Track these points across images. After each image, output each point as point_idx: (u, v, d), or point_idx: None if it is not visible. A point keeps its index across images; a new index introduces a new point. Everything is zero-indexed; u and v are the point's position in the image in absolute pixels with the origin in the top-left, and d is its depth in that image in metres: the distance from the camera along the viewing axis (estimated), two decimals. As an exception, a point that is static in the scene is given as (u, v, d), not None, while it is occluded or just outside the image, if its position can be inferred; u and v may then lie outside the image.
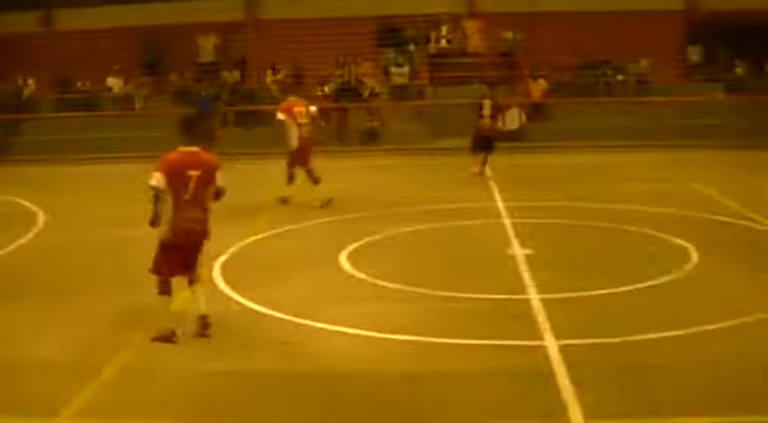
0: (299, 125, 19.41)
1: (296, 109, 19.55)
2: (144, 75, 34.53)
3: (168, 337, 10.17)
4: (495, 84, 24.76)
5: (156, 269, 10.47)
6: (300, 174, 19.50)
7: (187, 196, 10.21)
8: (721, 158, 25.47)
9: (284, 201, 19.46)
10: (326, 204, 18.87)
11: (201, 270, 10.98)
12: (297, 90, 24.78)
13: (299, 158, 19.49)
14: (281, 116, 19.50)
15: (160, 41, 35.44)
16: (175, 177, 10.16)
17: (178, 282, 10.61)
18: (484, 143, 23.21)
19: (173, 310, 10.48)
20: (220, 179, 10.54)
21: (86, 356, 9.82)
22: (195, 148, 10.40)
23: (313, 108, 19.95)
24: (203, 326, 10.45)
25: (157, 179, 10.15)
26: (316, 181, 19.39)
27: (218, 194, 10.64)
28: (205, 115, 28.37)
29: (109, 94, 34.17)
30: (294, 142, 19.41)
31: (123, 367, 9.43)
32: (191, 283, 10.75)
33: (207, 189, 10.40)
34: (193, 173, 10.22)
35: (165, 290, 10.41)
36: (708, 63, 35.00)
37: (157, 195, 10.28)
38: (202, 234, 10.55)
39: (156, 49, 35.64)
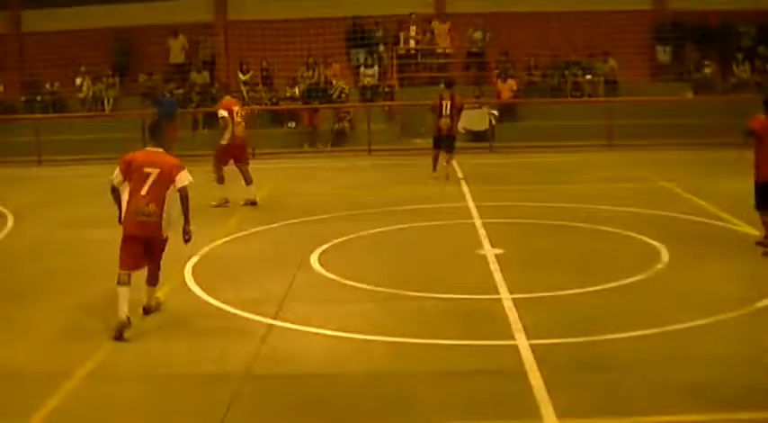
0: (235, 124, 19.82)
1: (234, 108, 20.00)
2: (113, 76, 34.32)
3: (120, 329, 10.35)
4: (453, 84, 24.66)
5: (119, 262, 10.86)
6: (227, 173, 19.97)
7: (143, 192, 10.69)
8: (691, 158, 25.58)
9: (225, 203, 19.61)
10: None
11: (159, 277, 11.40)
12: (242, 90, 24.66)
13: (230, 156, 19.89)
14: (223, 113, 19.83)
15: (130, 43, 35.33)
16: (133, 173, 10.74)
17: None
18: (445, 143, 23.14)
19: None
20: (182, 181, 10.87)
21: (56, 360, 9.75)
22: (160, 149, 11.02)
23: (237, 107, 20.27)
24: (145, 311, 11.24)
25: (115, 174, 10.83)
26: (249, 181, 19.71)
27: (183, 198, 10.97)
28: (166, 117, 28.38)
29: (78, 96, 33.95)
30: (227, 138, 19.86)
31: (93, 370, 9.37)
32: (148, 283, 11.27)
33: (164, 188, 10.78)
34: (152, 170, 10.74)
35: (123, 281, 10.67)
36: (676, 63, 35.19)
37: (114, 188, 10.91)
38: (155, 228, 10.87)
39: (126, 51, 35.49)
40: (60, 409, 8.32)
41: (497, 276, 12.86)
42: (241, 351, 9.86)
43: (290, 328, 10.69)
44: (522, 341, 9.92)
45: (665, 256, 13.82)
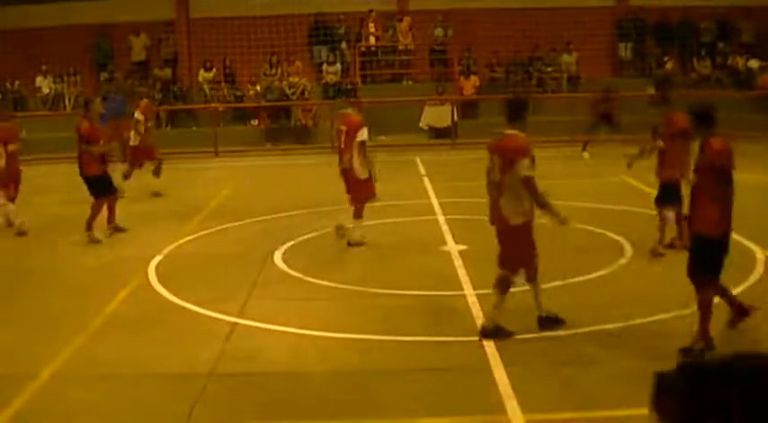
0: (146, 128, 21.03)
1: (148, 111, 21.47)
2: (74, 75, 34.07)
3: None
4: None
5: None
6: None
7: None
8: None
9: (157, 194, 20.59)
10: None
11: None
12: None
13: (144, 155, 20.86)
14: (139, 116, 20.90)
15: (95, 40, 35.12)
16: None
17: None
18: None
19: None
20: None
21: (21, 361, 9.70)
22: None
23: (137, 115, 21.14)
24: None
25: None
26: (157, 172, 20.75)
27: None
28: (114, 115, 28.31)
29: (38, 95, 33.71)
30: (138, 140, 20.83)
31: (58, 371, 9.33)
32: None
33: None
34: None
35: None
36: (638, 59, 35.39)
37: None
38: None
39: (109, 48, 35.31)
40: (25, 410, 8.28)
41: (461, 273, 12.91)
42: (205, 350, 9.85)
43: (254, 327, 10.68)
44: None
45: (628, 250, 13.91)
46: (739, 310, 9.90)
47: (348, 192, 15.20)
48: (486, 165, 10.56)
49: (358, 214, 15.02)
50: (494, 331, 9.89)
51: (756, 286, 11.80)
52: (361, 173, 14.93)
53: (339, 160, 15.44)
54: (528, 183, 9.96)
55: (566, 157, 26.33)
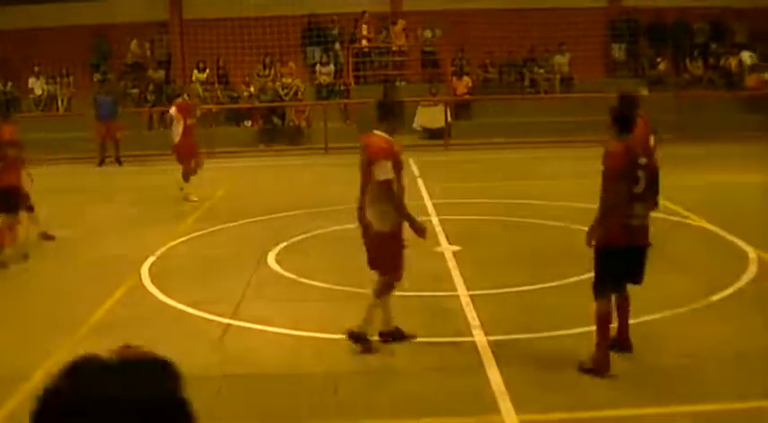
0: (186, 126, 20.38)
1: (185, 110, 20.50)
2: (67, 76, 34.04)
3: None
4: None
5: None
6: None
7: None
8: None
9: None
10: None
11: None
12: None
13: (188, 152, 20.39)
14: (175, 114, 20.45)
15: (89, 41, 35.10)
16: None
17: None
18: None
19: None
20: None
21: (14, 362, 9.68)
22: None
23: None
24: None
25: None
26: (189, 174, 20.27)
27: None
28: (104, 117, 28.38)
29: (31, 96, 33.67)
30: (177, 138, 20.40)
31: (53, 371, 9.29)
32: None
33: None
34: None
35: None
36: (631, 60, 35.44)
37: None
38: None
39: (107, 49, 35.32)
40: (18, 412, 8.26)
41: (455, 273, 12.91)
42: (199, 351, 9.84)
43: (247, 328, 10.68)
44: (480, 337, 9.97)
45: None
46: (620, 342, 9.26)
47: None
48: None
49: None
50: (391, 334, 9.86)
51: (749, 286, 11.83)
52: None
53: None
54: (384, 186, 9.44)
55: (559, 157, 26.38)
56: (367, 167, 9.54)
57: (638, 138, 9.66)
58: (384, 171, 9.38)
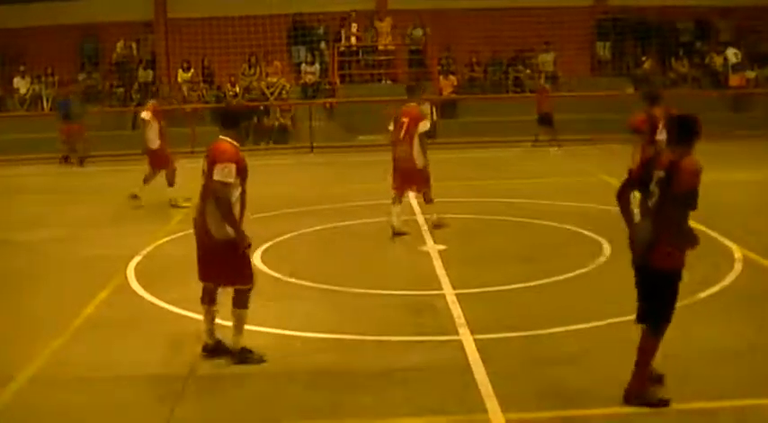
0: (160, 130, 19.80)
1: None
2: (53, 75, 33.96)
3: None
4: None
5: None
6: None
7: None
8: (631, 151, 25.72)
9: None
10: None
11: None
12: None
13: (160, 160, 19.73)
14: (145, 115, 19.74)
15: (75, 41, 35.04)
16: None
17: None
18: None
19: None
20: None
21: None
22: None
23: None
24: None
25: None
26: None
27: None
28: (67, 118, 28.34)
29: (16, 95, 33.60)
30: (156, 144, 19.70)
31: (35, 374, 9.28)
32: None
33: None
34: None
35: None
36: (616, 58, 35.51)
37: None
38: None
39: (94, 48, 35.28)
40: (4, 414, 8.23)
41: (440, 272, 12.90)
42: (185, 351, 9.81)
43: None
44: (465, 336, 9.96)
45: (607, 249, 13.93)
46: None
47: (402, 183, 15.94)
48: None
49: (429, 199, 16.05)
50: (213, 348, 9.60)
51: (735, 285, 11.86)
52: (420, 162, 15.79)
53: (393, 151, 16.17)
54: (218, 186, 9.18)
55: (544, 156, 26.42)
56: (209, 170, 9.26)
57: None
58: (224, 173, 9.11)
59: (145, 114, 19.71)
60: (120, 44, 34.85)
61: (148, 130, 19.57)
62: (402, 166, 15.86)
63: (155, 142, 19.57)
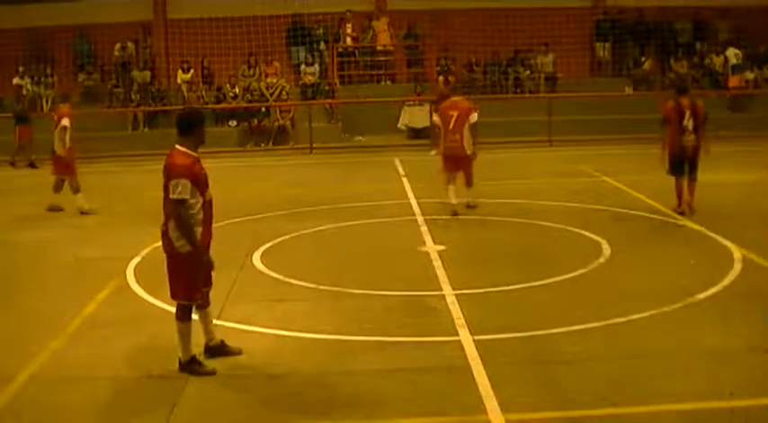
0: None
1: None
2: (52, 76, 33.94)
3: None
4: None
5: None
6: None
7: None
8: (631, 152, 25.73)
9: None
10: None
11: None
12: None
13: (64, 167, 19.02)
14: (66, 122, 18.81)
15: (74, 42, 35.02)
16: None
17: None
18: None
19: None
20: None
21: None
22: None
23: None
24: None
25: None
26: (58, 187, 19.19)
27: None
28: (22, 121, 28.40)
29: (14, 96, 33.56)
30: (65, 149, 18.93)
31: (36, 373, 9.28)
32: None
33: None
34: None
35: None
36: (616, 59, 35.52)
37: None
38: None
39: (89, 47, 35.27)
40: (3, 413, 8.24)
41: (440, 273, 12.90)
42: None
43: (233, 328, 10.64)
44: (465, 337, 9.96)
45: (607, 250, 13.94)
46: None
47: (453, 167, 17.88)
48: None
49: (471, 183, 18.05)
50: (188, 364, 9.29)
51: (734, 285, 11.85)
52: (469, 149, 17.80)
53: (444, 141, 18.06)
54: (174, 208, 9.14)
55: (543, 157, 26.43)
56: (165, 186, 9.16)
57: None
58: (177, 191, 9.00)
59: (66, 122, 18.75)
60: (118, 45, 34.81)
61: (66, 135, 18.72)
62: (452, 154, 17.76)
63: (66, 148, 18.81)
